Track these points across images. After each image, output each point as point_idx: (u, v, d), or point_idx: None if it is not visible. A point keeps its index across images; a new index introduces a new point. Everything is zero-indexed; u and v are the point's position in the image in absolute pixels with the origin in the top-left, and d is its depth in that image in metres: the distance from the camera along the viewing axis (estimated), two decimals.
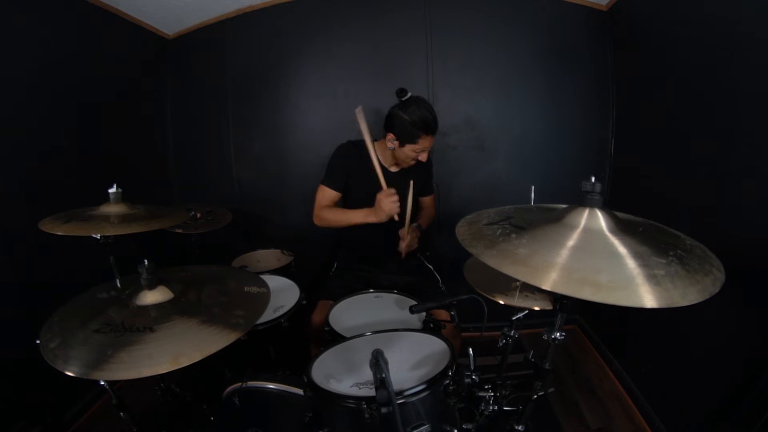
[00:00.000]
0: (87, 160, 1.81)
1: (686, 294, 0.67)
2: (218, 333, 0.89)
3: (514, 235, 0.79)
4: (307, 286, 1.65)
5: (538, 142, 2.18)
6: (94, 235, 1.18)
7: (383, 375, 0.72)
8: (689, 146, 1.58)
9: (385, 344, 1.14)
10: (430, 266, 1.85)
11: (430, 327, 1.34)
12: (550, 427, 1.67)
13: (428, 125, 1.49)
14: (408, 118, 1.49)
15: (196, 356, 0.81)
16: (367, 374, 0.96)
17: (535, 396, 1.05)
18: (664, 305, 0.65)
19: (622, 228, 0.85)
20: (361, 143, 1.76)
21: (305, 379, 0.96)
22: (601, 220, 0.85)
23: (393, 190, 1.51)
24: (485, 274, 1.39)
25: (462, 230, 0.86)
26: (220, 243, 2.00)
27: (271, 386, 1.12)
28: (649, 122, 1.87)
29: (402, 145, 1.55)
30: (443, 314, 1.50)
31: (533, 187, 1.30)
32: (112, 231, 1.15)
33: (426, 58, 2.09)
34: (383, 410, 0.75)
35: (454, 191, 2.24)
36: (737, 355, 1.32)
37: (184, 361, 0.80)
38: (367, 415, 0.80)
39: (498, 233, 0.81)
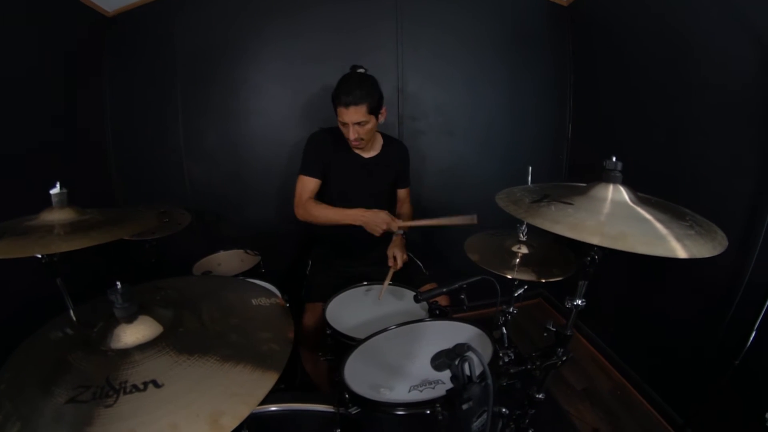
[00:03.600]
0: (9, 157, 1.42)
1: (715, 246, 0.78)
2: (253, 370, 0.67)
3: (570, 209, 0.81)
4: (284, 286, 1.51)
5: (503, 127, 2.28)
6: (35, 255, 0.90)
7: (471, 371, 0.68)
8: (640, 131, 1.80)
9: (411, 337, 1.10)
10: (411, 254, 1.84)
11: (436, 314, 1.33)
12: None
13: (337, 95, 1.47)
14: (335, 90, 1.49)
15: (242, 410, 0.59)
16: (415, 374, 0.92)
17: (560, 362, 1.10)
18: (707, 255, 0.75)
19: (640, 200, 0.93)
20: (336, 130, 1.66)
21: (348, 397, 0.86)
22: (624, 193, 0.92)
23: (399, 223, 1.54)
24: (487, 252, 1.41)
25: (514, 209, 0.87)
26: (175, 248, 1.72)
27: (275, 408, 0.97)
28: (604, 110, 2.09)
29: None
30: (442, 299, 1.51)
31: (530, 168, 1.35)
32: (63, 246, 0.88)
33: (395, 43, 2.04)
34: (464, 407, 0.71)
35: (424, 175, 2.25)
36: (689, 305, 1.57)
37: (229, 423, 0.57)
38: (440, 417, 0.75)
39: (553, 209, 0.83)
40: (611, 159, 0.94)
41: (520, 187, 1.04)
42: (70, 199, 1.00)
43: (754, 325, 1.06)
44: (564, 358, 1.10)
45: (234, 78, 1.95)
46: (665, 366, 1.69)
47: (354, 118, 1.46)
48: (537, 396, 1.21)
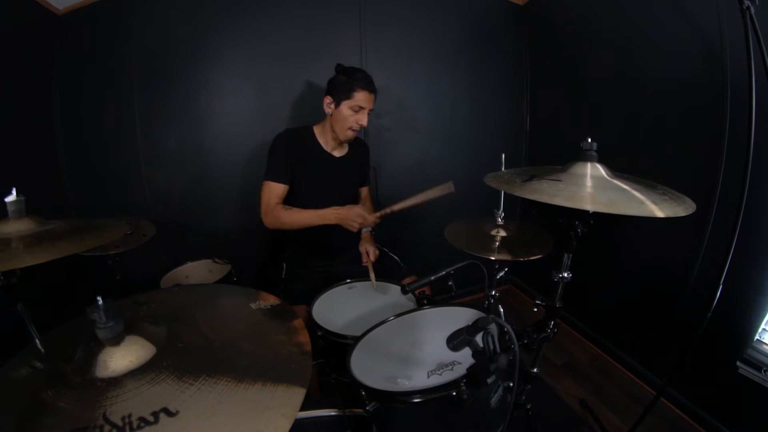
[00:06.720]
0: None
1: (687, 208, 0.88)
2: (279, 378, 0.63)
3: (560, 185, 0.87)
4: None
5: (465, 121, 2.36)
6: None
7: (494, 343, 0.70)
8: (594, 121, 1.98)
9: (411, 327, 1.10)
10: (385, 249, 1.84)
11: (424, 303, 1.34)
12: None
13: (363, 79, 1.52)
14: (344, 76, 1.51)
15: (283, 424, 0.54)
16: (428, 360, 0.91)
17: (552, 334, 1.16)
18: (682, 214, 0.85)
19: (615, 175, 1.02)
20: (303, 130, 1.62)
21: (365, 393, 0.83)
22: (601, 169, 1.00)
23: (376, 214, 1.53)
24: (465, 237, 1.46)
25: (508, 188, 0.92)
26: (138, 263, 1.57)
27: None
28: (559, 103, 2.25)
29: (338, 104, 1.52)
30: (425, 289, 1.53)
31: (503, 155, 1.43)
32: (28, 259, 0.76)
33: (359, 42, 2.04)
34: (489, 380, 0.72)
35: (390, 171, 2.26)
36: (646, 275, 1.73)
37: None
38: (465, 396, 0.76)
39: (545, 185, 0.88)
40: (587, 140, 1.02)
41: (505, 170, 1.09)
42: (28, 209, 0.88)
43: (720, 280, 1.20)
44: (555, 330, 1.17)
45: (195, 79, 1.83)
46: (639, 332, 1.85)
47: (372, 104, 1.54)
48: (532, 371, 1.27)
